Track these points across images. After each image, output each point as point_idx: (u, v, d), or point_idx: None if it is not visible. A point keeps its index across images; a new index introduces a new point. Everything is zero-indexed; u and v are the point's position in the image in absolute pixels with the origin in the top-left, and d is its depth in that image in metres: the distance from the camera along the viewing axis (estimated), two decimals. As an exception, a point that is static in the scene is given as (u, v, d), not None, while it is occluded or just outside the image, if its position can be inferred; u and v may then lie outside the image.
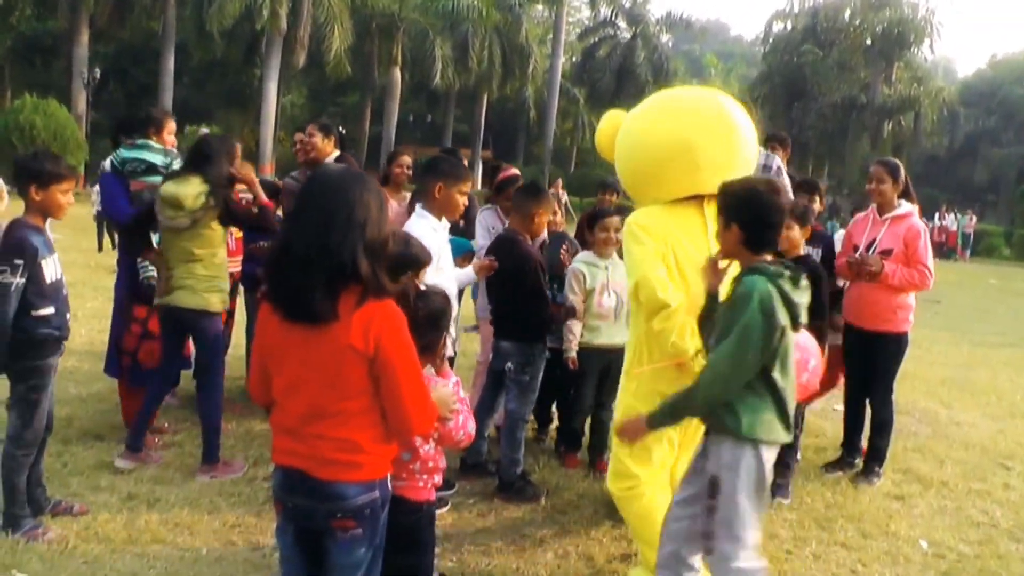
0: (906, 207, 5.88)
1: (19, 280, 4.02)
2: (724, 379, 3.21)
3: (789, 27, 48.13)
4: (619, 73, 44.17)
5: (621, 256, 5.85)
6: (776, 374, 3.23)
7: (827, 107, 44.32)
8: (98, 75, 34.19)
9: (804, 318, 3.28)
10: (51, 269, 4.19)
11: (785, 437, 3.32)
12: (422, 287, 3.28)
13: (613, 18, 46.84)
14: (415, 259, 3.65)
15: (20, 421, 4.22)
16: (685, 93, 4.53)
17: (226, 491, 5.00)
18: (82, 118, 32.29)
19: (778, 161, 6.35)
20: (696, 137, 4.00)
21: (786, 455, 5.24)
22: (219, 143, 5.40)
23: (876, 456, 6.03)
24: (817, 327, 5.03)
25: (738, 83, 56.80)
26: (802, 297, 3.25)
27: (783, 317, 3.16)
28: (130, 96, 38.40)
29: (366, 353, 2.58)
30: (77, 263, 12.32)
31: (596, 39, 47.34)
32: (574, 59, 49.44)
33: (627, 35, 45.73)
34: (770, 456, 3.32)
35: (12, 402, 4.23)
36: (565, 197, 22.02)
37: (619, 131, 4.32)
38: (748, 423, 3.23)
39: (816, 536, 4.96)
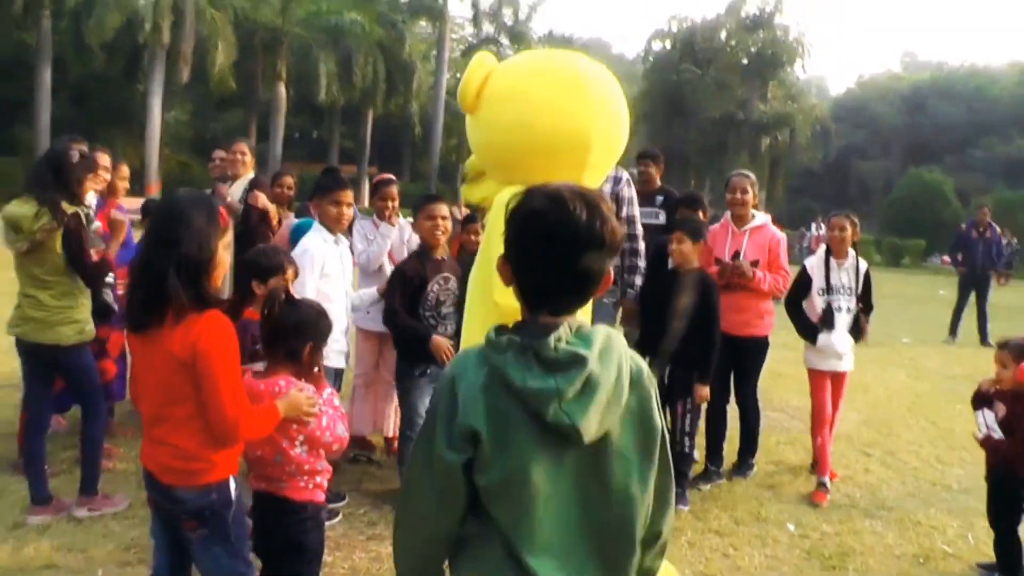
0: (761, 218, 6.27)
1: None
2: (401, 528, 2.06)
3: (668, 46, 49.39)
4: None
5: None
6: (493, 509, 1.90)
7: (706, 123, 45.46)
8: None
9: (554, 412, 1.81)
10: None
11: None
12: (295, 296, 3.43)
13: (496, 35, 47.28)
14: (266, 266, 3.94)
15: None
16: (580, 65, 3.53)
17: (120, 514, 4.98)
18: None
19: (626, 175, 6.28)
20: (595, 132, 3.43)
21: (681, 463, 5.51)
22: (56, 157, 4.87)
23: (750, 449, 6.39)
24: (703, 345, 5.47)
25: (621, 100, 57.92)
26: (551, 381, 1.82)
27: (476, 413, 1.85)
28: (0, 114, 37.10)
29: (186, 360, 2.77)
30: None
31: None
32: (458, 75, 49.62)
33: (510, 52, 46.09)
34: None
35: None
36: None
37: (490, 86, 3.50)
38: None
39: (691, 526, 5.29)
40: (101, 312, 5.34)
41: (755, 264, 6.07)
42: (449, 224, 5.50)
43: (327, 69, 37.62)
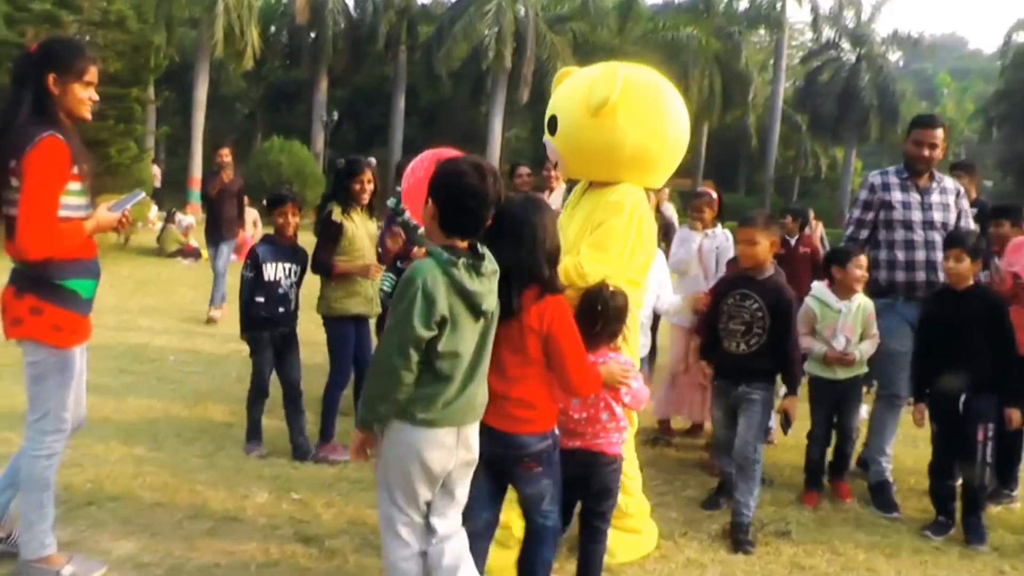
0: None
1: (249, 274, 5.84)
2: (389, 370, 3.08)
3: (1031, 38, 45.43)
4: (841, 97, 42.34)
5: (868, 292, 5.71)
6: (442, 364, 3.12)
7: (1076, 125, 40.71)
8: (335, 117, 37.01)
9: (491, 306, 3.18)
10: (271, 271, 5.85)
11: (447, 422, 3.18)
12: (611, 288, 3.95)
13: (836, 40, 45.00)
14: None
15: (252, 374, 6.06)
16: (664, 83, 4.40)
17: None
18: (320, 156, 34.99)
19: (961, 187, 6.03)
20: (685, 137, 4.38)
21: (981, 495, 5.16)
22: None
23: (1011, 474, 5.75)
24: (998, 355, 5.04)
25: (974, 102, 54.07)
26: (483, 285, 3.12)
27: (444, 305, 3.03)
28: (362, 135, 40.89)
29: (541, 333, 3.41)
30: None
31: (819, 63, 45.71)
32: (797, 84, 48.16)
33: (851, 57, 44.08)
34: (429, 438, 3.17)
35: None
36: (821, 229, 21.10)
37: (627, 95, 4.11)
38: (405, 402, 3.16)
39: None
40: None
41: None
42: None
43: (663, 85, 37.96)
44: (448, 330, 3.09)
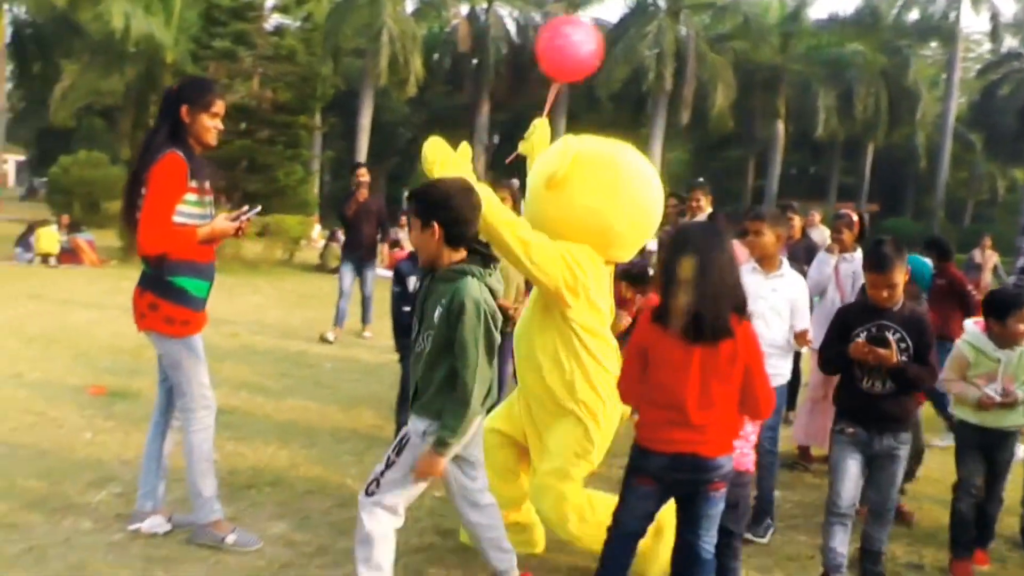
0: None
1: (396, 288, 6.21)
2: (484, 379, 3.60)
3: None
4: (1023, 114, 40.01)
5: None
6: (491, 352, 3.69)
7: None
8: (496, 141, 37.76)
9: (501, 296, 3.81)
10: (414, 283, 6.06)
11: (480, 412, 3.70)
12: None
13: (1020, 50, 42.32)
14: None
15: (400, 379, 6.35)
16: (644, 165, 4.55)
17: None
18: (480, 178, 35.76)
19: None
20: (654, 224, 4.55)
21: None
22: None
23: None
24: None
25: None
26: (500, 282, 3.76)
27: (493, 312, 3.64)
28: (524, 160, 41.55)
29: (744, 357, 3.53)
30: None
31: (998, 76, 43.01)
32: (971, 99, 45.62)
33: (1040, 66, 41.36)
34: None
35: None
36: (996, 259, 19.57)
37: (579, 172, 4.24)
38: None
39: None
40: None
41: None
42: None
43: (826, 103, 37.16)
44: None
